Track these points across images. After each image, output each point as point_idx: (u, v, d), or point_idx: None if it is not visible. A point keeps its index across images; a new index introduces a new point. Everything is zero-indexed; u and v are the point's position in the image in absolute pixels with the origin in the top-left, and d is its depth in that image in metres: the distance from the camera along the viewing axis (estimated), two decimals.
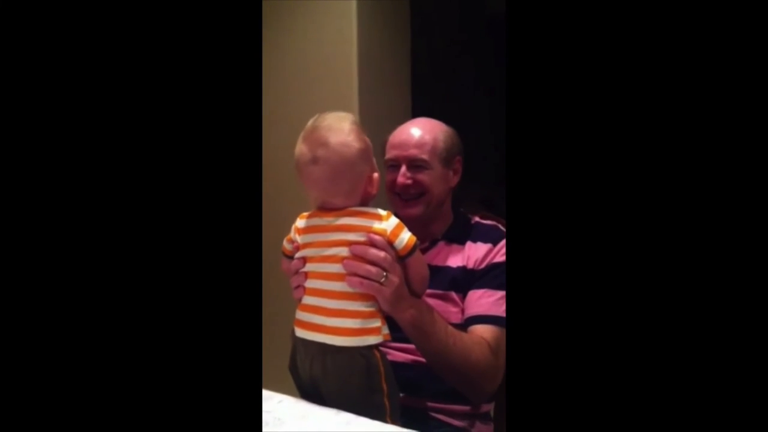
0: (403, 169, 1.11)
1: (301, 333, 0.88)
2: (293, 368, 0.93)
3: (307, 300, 0.88)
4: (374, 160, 0.91)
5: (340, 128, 0.86)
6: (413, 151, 1.11)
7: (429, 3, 2.63)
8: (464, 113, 3.00)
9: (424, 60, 2.42)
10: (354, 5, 1.90)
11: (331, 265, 0.85)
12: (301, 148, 0.87)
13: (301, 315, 0.88)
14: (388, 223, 0.87)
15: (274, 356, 1.25)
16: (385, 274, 0.84)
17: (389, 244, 0.86)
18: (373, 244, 0.85)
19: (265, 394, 0.84)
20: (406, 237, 0.87)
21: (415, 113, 1.25)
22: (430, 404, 1.04)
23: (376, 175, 0.90)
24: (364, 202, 0.89)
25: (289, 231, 0.94)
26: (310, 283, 0.87)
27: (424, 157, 1.10)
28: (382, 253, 0.84)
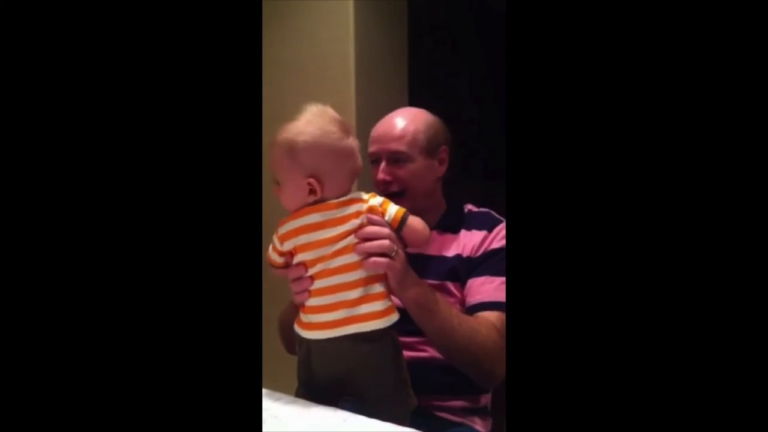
0: (383, 165, 1.10)
1: (319, 334, 0.86)
2: (306, 377, 0.91)
3: (320, 300, 0.86)
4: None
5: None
6: (392, 145, 1.09)
7: (426, 1, 2.63)
8: (462, 112, 3.01)
9: (421, 59, 2.42)
10: (351, 4, 1.90)
11: (341, 258, 0.85)
12: (329, 128, 0.86)
13: (314, 317, 0.87)
14: (374, 201, 0.89)
15: (274, 356, 1.26)
16: (395, 247, 0.85)
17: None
18: (372, 222, 0.86)
19: (263, 392, 0.84)
20: (393, 210, 0.89)
21: None
22: (427, 401, 1.04)
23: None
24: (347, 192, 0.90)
25: None
26: (320, 284, 0.86)
27: (403, 149, 1.09)
28: (385, 230, 0.86)
